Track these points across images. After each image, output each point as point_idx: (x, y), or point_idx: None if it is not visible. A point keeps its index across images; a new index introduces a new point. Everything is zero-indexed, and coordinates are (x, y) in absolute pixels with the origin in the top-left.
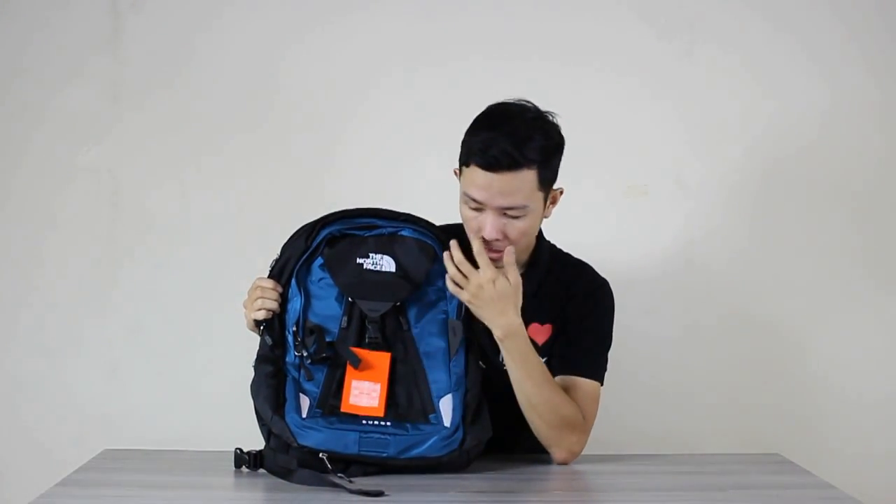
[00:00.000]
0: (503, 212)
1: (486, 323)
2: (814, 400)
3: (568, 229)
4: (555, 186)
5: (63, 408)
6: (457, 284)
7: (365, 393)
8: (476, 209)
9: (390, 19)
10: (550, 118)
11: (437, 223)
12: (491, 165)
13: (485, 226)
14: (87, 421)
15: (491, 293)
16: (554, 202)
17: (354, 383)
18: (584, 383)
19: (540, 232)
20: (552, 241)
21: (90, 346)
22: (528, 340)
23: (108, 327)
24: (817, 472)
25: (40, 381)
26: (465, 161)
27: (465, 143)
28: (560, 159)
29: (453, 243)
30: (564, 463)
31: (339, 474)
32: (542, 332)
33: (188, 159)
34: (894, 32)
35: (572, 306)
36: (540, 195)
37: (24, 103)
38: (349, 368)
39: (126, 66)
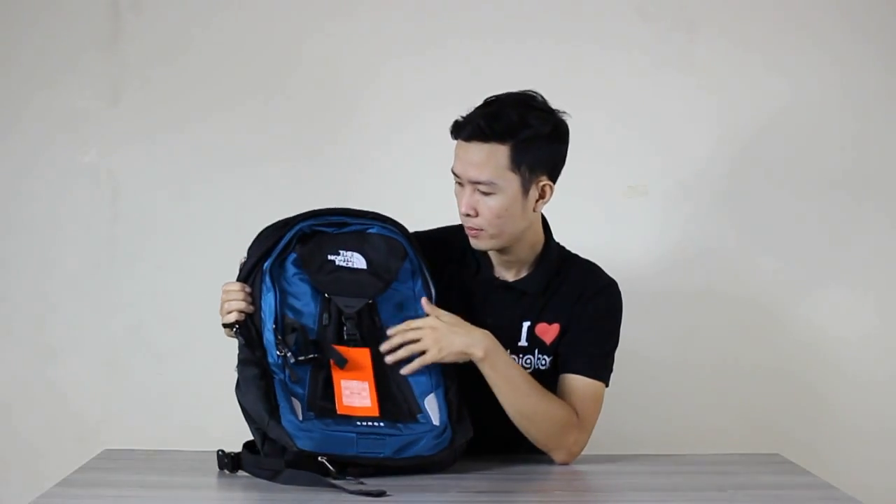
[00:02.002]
0: (475, 187)
1: (467, 351)
2: (814, 400)
3: (568, 229)
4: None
5: (62, 408)
6: (416, 353)
7: (356, 393)
8: (459, 183)
9: (394, 19)
10: (558, 114)
11: (438, 225)
12: (465, 135)
13: (461, 200)
14: (87, 421)
15: (445, 326)
16: (542, 197)
17: (344, 383)
18: (587, 383)
19: (548, 232)
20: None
21: (90, 346)
22: (505, 351)
23: (108, 327)
24: (817, 472)
25: (40, 381)
26: (453, 136)
27: None
28: (549, 152)
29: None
30: (565, 463)
31: (340, 476)
32: (550, 332)
33: (188, 159)
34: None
35: (580, 306)
36: (513, 178)
37: (25, 103)
38: (334, 367)
39: (126, 66)
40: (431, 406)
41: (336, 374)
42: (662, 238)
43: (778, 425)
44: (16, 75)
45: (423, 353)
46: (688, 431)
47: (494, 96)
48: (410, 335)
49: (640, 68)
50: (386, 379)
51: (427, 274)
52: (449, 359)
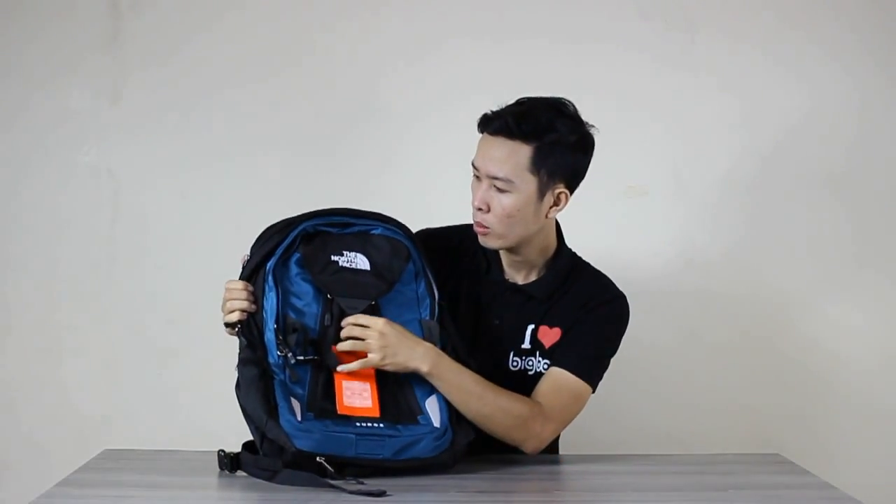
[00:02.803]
0: (492, 182)
1: (409, 364)
2: (814, 400)
3: (568, 229)
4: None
5: (63, 408)
6: (358, 352)
7: (357, 394)
8: (477, 177)
9: (394, 20)
10: (586, 126)
11: (451, 223)
12: (491, 130)
13: (476, 194)
14: (86, 421)
15: (394, 334)
16: (557, 204)
17: (345, 384)
18: (565, 376)
19: (561, 238)
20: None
21: (90, 345)
22: (451, 360)
23: (108, 327)
24: (817, 472)
25: (40, 381)
26: (479, 129)
27: None
28: (571, 160)
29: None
30: (536, 451)
31: (339, 476)
32: (550, 336)
33: (188, 159)
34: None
35: (583, 312)
36: (531, 179)
37: (25, 103)
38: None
39: (126, 66)
40: (433, 407)
41: (338, 375)
42: (662, 238)
43: (778, 425)
44: (16, 75)
45: (365, 354)
46: (688, 431)
47: (527, 97)
48: (356, 332)
49: (641, 68)
50: (388, 380)
51: (431, 276)
52: (390, 368)
